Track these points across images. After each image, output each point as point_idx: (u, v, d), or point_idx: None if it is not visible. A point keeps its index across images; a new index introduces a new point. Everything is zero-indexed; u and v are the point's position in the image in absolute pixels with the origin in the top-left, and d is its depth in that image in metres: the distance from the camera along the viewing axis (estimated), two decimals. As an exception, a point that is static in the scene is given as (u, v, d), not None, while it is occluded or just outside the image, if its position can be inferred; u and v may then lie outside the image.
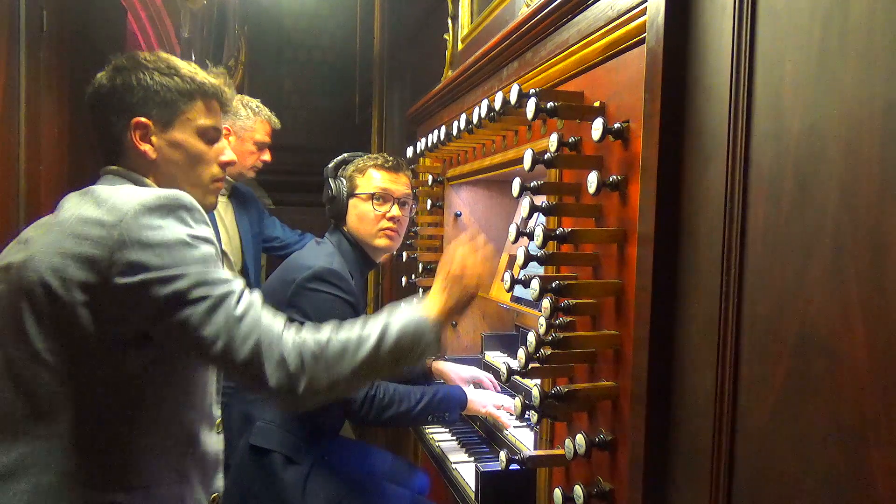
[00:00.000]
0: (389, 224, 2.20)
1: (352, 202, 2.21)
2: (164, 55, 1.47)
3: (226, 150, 1.50)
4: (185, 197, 1.30)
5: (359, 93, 4.66)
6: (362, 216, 2.19)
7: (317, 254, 2.13)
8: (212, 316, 1.22)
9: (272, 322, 1.29)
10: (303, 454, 2.03)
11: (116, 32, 3.87)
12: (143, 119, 1.38)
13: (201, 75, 1.45)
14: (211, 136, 1.46)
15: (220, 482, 1.50)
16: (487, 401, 2.10)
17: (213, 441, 1.47)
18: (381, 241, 2.21)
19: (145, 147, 1.38)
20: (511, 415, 2.07)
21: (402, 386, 2.08)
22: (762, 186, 0.92)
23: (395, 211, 2.20)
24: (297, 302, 2.00)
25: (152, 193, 1.27)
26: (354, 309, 2.06)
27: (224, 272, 1.29)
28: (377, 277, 3.85)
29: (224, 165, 1.49)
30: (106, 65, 1.45)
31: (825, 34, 0.82)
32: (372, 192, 2.19)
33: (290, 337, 1.29)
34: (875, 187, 0.75)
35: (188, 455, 1.39)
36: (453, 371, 2.27)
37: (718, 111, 0.99)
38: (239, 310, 1.25)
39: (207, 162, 1.44)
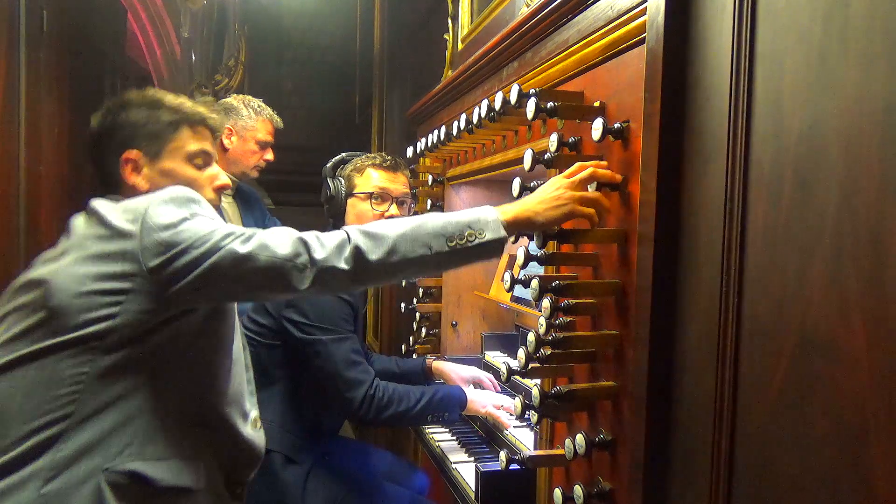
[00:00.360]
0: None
1: (350, 201, 2.21)
2: (151, 91, 1.54)
3: (219, 175, 1.54)
4: (190, 191, 1.39)
5: (359, 93, 4.65)
6: (361, 215, 2.19)
7: None
8: (250, 241, 1.28)
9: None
10: (302, 454, 2.03)
11: (116, 32, 3.87)
12: (133, 153, 1.45)
13: (187, 104, 1.51)
14: (201, 161, 1.51)
15: (247, 474, 1.54)
16: (487, 401, 2.10)
17: (246, 434, 1.50)
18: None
19: (136, 179, 1.45)
20: (511, 415, 2.07)
21: (402, 386, 2.08)
22: (762, 186, 0.92)
23: (394, 210, 2.21)
24: (295, 302, 1.99)
25: (163, 192, 1.36)
26: (353, 308, 2.06)
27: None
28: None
29: (218, 190, 1.53)
30: (99, 106, 1.53)
31: (825, 34, 0.82)
32: (370, 191, 2.19)
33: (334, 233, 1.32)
34: (875, 187, 0.75)
35: (207, 436, 1.43)
36: (453, 371, 2.27)
37: (718, 111, 0.99)
38: (245, 232, 1.31)
39: (200, 187, 1.48)
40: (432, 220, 1.30)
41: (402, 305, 2.67)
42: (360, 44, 4.56)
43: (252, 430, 1.53)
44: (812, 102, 0.84)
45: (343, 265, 1.26)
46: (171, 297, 1.29)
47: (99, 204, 1.39)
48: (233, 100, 2.85)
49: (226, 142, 2.76)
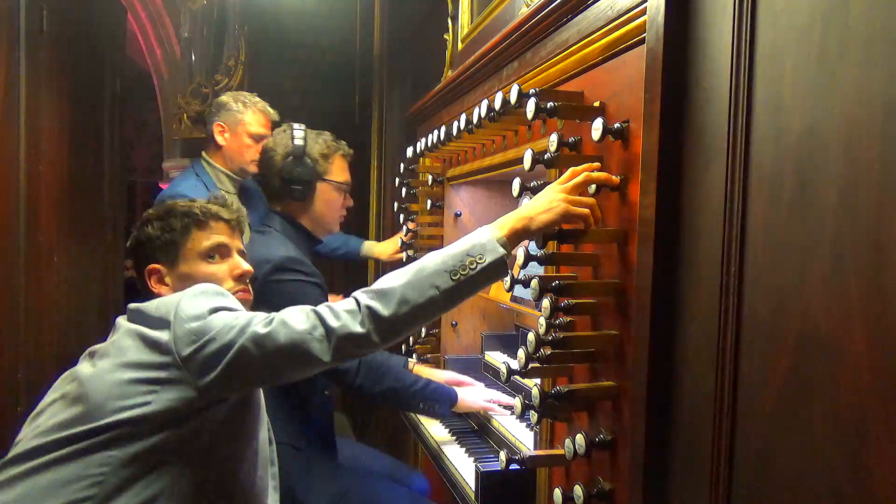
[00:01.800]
0: (344, 212, 2.28)
1: (320, 186, 2.18)
2: (169, 203, 1.63)
3: (240, 264, 1.61)
4: (218, 287, 1.48)
5: (359, 93, 4.65)
6: (330, 203, 2.19)
7: (268, 244, 2.08)
8: (271, 322, 1.32)
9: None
10: (301, 440, 2.03)
11: (116, 32, 3.86)
12: (154, 266, 1.55)
13: (196, 205, 1.60)
14: (219, 254, 1.58)
15: None
16: (478, 397, 2.10)
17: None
18: (336, 227, 2.28)
19: (162, 289, 1.54)
20: (503, 407, 2.09)
21: (398, 358, 2.08)
22: (762, 186, 0.92)
23: (349, 199, 2.27)
24: (265, 297, 1.94)
25: (193, 288, 1.45)
26: (322, 290, 2.05)
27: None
28: (377, 276, 3.84)
29: (239, 278, 1.59)
30: None
31: (825, 34, 0.82)
32: (344, 183, 2.21)
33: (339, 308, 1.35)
34: (875, 187, 0.75)
35: None
36: (432, 375, 2.28)
37: (718, 111, 0.99)
38: (268, 319, 1.35)
39: (220, 280, 1.56)
40: (431, 260, 1.32)
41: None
42: (360, 44, 4.56)
43: None
44: (812, 102, 0.84)
45: (359, 329, 1.29)
46: (205, 386, 1.33)
47: (136, 305, 1.47)
48: (224, 96, 2.85)
49: (219, 139, 2.76)
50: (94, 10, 3.45)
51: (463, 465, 2.02)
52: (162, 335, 1.37)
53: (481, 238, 1.30)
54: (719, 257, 0.98)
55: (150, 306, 1.43)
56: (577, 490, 1.25)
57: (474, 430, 2.29)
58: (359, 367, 1.97)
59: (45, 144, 2.81)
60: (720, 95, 0.99)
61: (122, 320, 1.49)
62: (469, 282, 1.29)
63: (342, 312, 1.31)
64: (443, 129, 1.99)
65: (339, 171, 2.21)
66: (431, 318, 1.36)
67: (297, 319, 1.32)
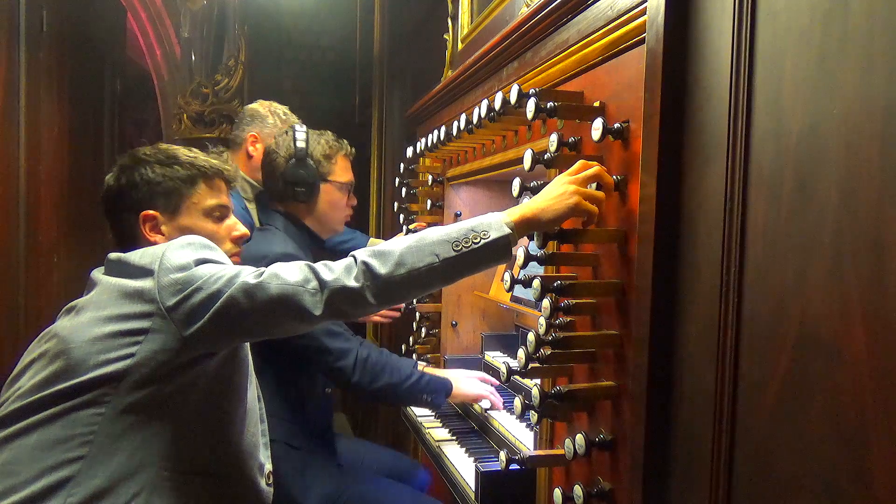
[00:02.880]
0: (350, 211, 2.27)
1: (324, 187, 2.17)
2: (163, 146, 1.56)
3: (237, 226, 1.58)
4: (206, 239, 1.43)
5: (359, 93, 4.65)
6: (335, 204, 2.19)
7: (269, 241, 2.07)
8: (262, 274, 1.30)
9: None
10: (298, 438, 2.03)
11: (116, 32, 3.87)
12: (150, 212, 1.48)
13: (200, 158, 1.54)
14: (219, 214, 1.55)
15: (268, 466, 1.57)
16: (474, 385, 2.11)
17: (261, 487, 1.52)
18: (341, 227, 2.28)
19: (157, 238, 1.48)
20: (496, 383, 2.09)
21: (395, 356, 2.09)
22: (762, 186, 0.92)
23: (353, 198, 2.26)
24: None
25: (179, 239, 1.41)
26: None
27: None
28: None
29: (236, 240, 1.56)
30: (113, 167, 1.55)
31: (825, 34, 0.82)
32: (347, 183, 2.21)
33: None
34: (875, 187, 0.75)
35: (217, 487, 1.43)
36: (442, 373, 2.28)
37: (718, 111, 0.99)
38: (256, 271, 1.32)
39: (219, 240, 1.52)
40: (435, 231, 1.31)
41: (402, 305, 2.67)
42: (360, 44, 4.56)
43: (265, 484, 1.54)
44: (812, 102, 0.84)
45: (353, 283, 1.27)
46: (190, 337, 1.30)
47: (117, 254, 1.43)
48: (259, 106, 2.79)
49: (250, 149, 2.70)
50: (94, 10, 3.46)
51: (463, 465, 2.02)
52: (145, 283, 1.33)
53: (489, 218, 1.29)
54: (719, 257, 0.98)
55: (133, 255, 1.39)
56: (577, 490, 1.25)
57: (474, 430, 2.29)
58: (354, 364, 1.96)
59: (45, 144, 2.82)
60: (720, 95, 0.99)
61: (98, 274, 1.45)
62: (471, 255, 1.27)
63: (337, 267, 1.29)
64: (443, 129, 2.00)
65: (342, 172, 2.22)
66: (428, 287, 1.33)
67: (289, 272, 1.29)
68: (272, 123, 2.72)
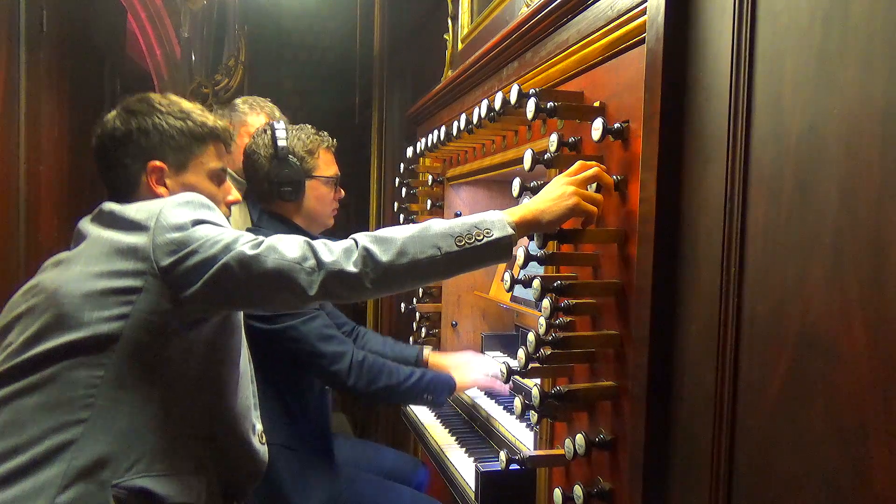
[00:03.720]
0: (336, 205, 2.24)
1: (310, 184, 2.15)
2: (175, 98, 1.53)
3: (231, 190, 1.58)
4: (205, 198, 1.40)
5: (359, 93, 4.65)
6: (322, 199, 2.16)
7: None
8: (260, 245, 1.28)
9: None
10: (296, 439, 2.02)
11: (116, 32, 3.87)
12: (158, 163, 1.45)
13: (211, 119, 1.52)
14: (220, 177, 1.54)
15: (250, 486, 1.56)
16: (474, 374, 2.10)
17: (256, 447, 1.52)
18: (331, 221, 2.24)
19: (161, 190, 1.46)
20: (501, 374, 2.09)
21: (390, 362, 2.08)
22: (762, 186, 0.92)
23: (340, 192, 2.24)
24: None
25: (178, 195, 1.38)
26: None
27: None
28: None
29: (230, 205, 1.57)
30: (118, 107, 1.50)
31: (825, 34, 0.82)
32: (333, 177, 2.18)
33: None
34: (875, 187, 0.75)
35: (215, 450, 1.43)
36: (445, 359, 2.27)
37: (718, 111, 0.99)
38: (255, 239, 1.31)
39: (217, 203, 1.49)
40: (438, 223, 1.30)
41: (402, 305, 2.67)
42: (360, 44, 4.56)
43: (259, 443, 1.54)
44: (812, 103, 0.84)
45: (352, 268, 1.25)
46: (184, 301, 1.29)
47: (112, 206, 1.38)
48: (238, 99, 2.82)
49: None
50: (94, 10, 3.46)
51: (463, 465, 2.02)
52: (139, 240, 1.29)
53: (492, 216, 1.29)
54: (719, 257, 0.98)
55: (129, 209, 1.35)
56: (577, 490, 1.25)
57: (475, 430, 2.29)
58: (350, 367, 1.95)
59: (45, 144, 2.82)
60: (720, 95, 0.99)
61: (87, 224, 1.40)
62: (473, 252, 1.26)
63: (336, 248, 1.28)
64: (443, 129, 1.99)
65: (326, 166, 2.18)
66: (426, 279, 1.32)
67: (288, 246, 1.27)
68: (241, 111, 2.72)
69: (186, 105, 1.52)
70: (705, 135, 1.02)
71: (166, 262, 1.28)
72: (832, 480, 0.80)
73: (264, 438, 1.58)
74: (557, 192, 1.26)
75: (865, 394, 0.76)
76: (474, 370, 2.13)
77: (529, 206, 1.29)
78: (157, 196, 1.43)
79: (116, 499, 1.27)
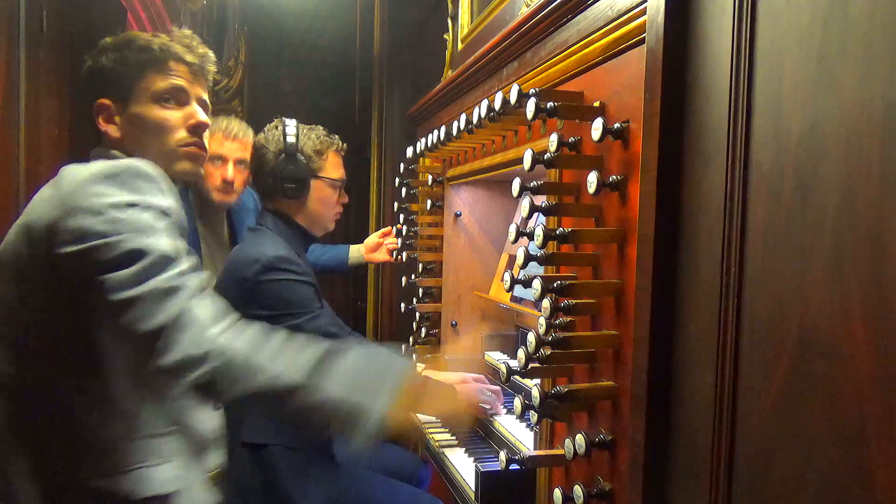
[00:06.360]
0: (340, 208, 2.25)
1: (314, 184, 2.14)
2: (130, 34, 1.45)
3: (196, 113, 1.44)
4: (142, 166, 1.25)
5: (359, 93, 4.65)
6: (325, 200, 2.16)
7: (260, 243, 2.04)
8: (135, 282, 1.14)
9: (206, 310, 1.18)
10: (298, 438, 2.02)
11: (116, 32, 3.87)
12: (103, 101, 1.40)
13: (156, 42, 1.42)
14: (174, 99, 1.42)
15: (217, 459, 1.48)
16: (472, 395, 2.08)
17: (206, 418, 1.44)
18: (332, 225, 2.25)
19: (109, 127, 1.40)
20: (497, 389, 2.08)
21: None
22: (762, 186, 0.92)
23: (344, 196, 2.25)
24: (255, 298, 1.93)
25: (106, 163, 1.25)
26: (314, 288, 2.02)
27: (168, 243, 1.21)
28: (377, 277, 3.85)
29: (193, 128, 1.43)
30: None
31: (825, 34, 0.82)
32: (338, 180, 2.18)
33: (218, 329, 1.17)
34: (875, 187, 0.75)
35: (171, 434, 1.36)
36: (440, 377, 2.26)
37: (718, 111, 0.99)
38: (168, 283, 1.16)
39: (171, 128, 1.40)
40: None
41: (402, 305, 2.67)
42: (360, 44, 4.56)
43: (211, 410, 1.47)
44: (812, 103, 0.84)
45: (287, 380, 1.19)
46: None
47: (64, 170, 1.29)
48: (233, 120, 2.70)
49: None
50: (94, 10, 3.45)
51: (463, 465, 2.02)
52: (48, 218, 1.18)
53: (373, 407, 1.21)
54: (719, 257, 0.98)
55: (64, 171, 1.24)
56: (577, 490, 1.25)
57: (475, 430, 2.29)
58: None
59: (45, 144, 2.81)
60: (720, 95, 0.99)
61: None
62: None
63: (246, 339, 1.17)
64: (443, 129, 1.99)
65: (333, 168, 2.19)
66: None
67: (210, 314, 1.16)
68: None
69: (133, 35, 1.44)
70: (705, 135, 1.02)
71: (66, 250, 1.19)
72: (832, 480, 0.80)
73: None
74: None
75: (865, 394, 0.76)
76: (475, 389, 2.12)
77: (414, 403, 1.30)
78: (108, 134, 1.40)
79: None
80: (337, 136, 2.25)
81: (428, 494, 2.24)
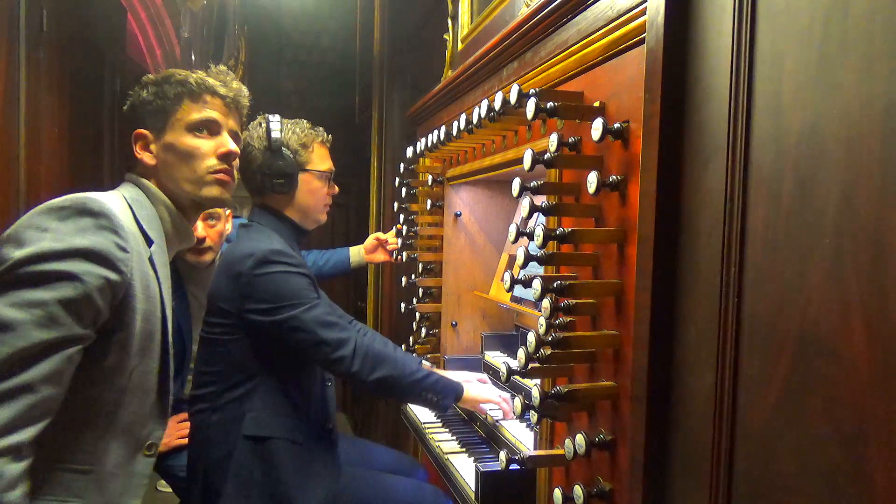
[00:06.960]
0: (330, 200, 2.24)
1: (303, 177, 2.14)
2: (169, 71, 1.57)
3: (226, 143, 1.53)
4: (91, 202, 1.29)
5: (359, 93, 4.66)
6: (314, 193, 2.16)
7: (253, 238, 2.04)
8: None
9: None
10: (301, 432, 2.01)
11: (116, 32, 3.87)
12: (141, 131, 1.51)
13: (193, 77, 1.53)
14: (206, 129, 1.52)
15: (158, 433, 1.47)
16: (485, 391, 2.08)
17: (135, 462, 1.42)
18: (323, 217, 2.24)
19: (144, 155, 1.51)
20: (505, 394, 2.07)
21: (401, 351, 2.06)
22: (762, 186, 0.92)
23: (334, 187, 2.24)
24: (252, 292, 1.93)
25: (63, 197, 1.29)
26: (309, 280, 2.02)
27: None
28: (377, 277, 3.85)
29: (224, 156, 1.52)
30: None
31: (825, 34, 0.82)
32: (326, 171, 2.18)
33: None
34: (875, 187, 0.75)
35: (86, 474, 1.34)
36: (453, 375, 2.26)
37: (718, 111, 0.99)
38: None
39: (202, 155, 1.50)
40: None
41: (402, 305, 2.67)
42: (360, 44, 4.56)
43: (143, 455, 1.44)
44: (812, 103, 0.84)
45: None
46: None
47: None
48: None
49: None
50: (94, 10, 3.45)
51: (463, 465, 2.02)
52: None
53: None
54: (719, 257, 0.98)
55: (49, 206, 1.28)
56: (577, 490, 1.25)
57: (475, 430, 2.29)
58: (354, 353, 1.94)
59: (45, 144, 2.82)
60: (720, 95, 0.99)
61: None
62: None
63: None
64: (443, 129, 2.00)
65: (320, 160, 2.19)
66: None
67: None
68: None
69: (171, 72, 1.55)
70: (705, 135, 1.02)
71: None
72: (832, 480, 0.80)
73: (154, 450, 1.47)
74: None
75: (865, 394, 0.76)
76: (485, 388, 2.10)
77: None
78: (143, 161, 1.50)
79: None
80: (321, 128, 2.25)
81: (430, 486, 2.23)
